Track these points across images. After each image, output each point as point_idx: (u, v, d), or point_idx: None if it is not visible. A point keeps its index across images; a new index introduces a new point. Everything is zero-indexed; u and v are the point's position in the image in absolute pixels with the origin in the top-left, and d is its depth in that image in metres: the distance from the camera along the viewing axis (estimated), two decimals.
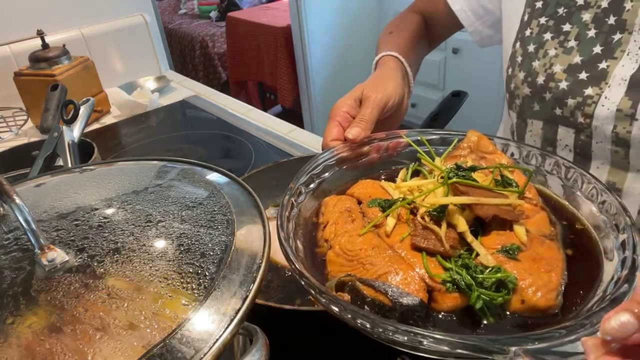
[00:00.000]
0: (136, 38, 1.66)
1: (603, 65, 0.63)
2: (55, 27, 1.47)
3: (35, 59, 1.29)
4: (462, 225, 0.46)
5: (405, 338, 0.35)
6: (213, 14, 4.04)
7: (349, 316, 0.38)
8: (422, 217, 0.48)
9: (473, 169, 0.53)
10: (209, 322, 0.32)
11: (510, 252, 0.44)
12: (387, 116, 0.69)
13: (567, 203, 0.54)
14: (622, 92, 0.61)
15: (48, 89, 1.10)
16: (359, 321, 0.37)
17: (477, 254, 0.44)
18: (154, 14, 1.74)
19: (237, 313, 0.33)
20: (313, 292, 0.40)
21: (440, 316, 0.42)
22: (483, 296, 0.41)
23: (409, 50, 0.81)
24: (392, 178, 0.60)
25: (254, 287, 0.35)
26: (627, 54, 0.61)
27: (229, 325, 0.32)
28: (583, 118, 0.65)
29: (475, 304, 0.40)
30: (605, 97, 0.62)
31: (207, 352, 0.31)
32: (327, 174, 0.60)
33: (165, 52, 1.83)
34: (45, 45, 1.30)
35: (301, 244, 0.51)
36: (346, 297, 0.43)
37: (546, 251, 0.45)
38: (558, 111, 0.68)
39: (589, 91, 0.64)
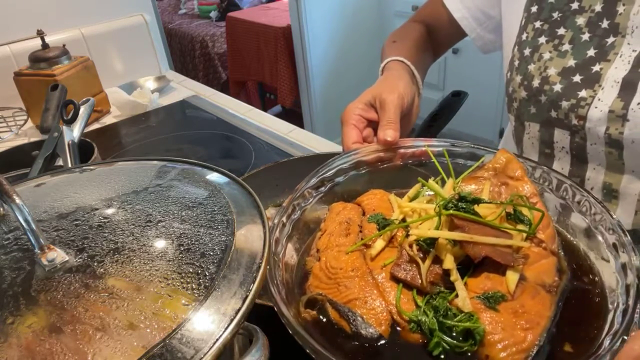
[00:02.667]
0: (136, 38, 1.66)
1: (596, 68, 0.63)
2: (55, 27, 1.47)
3: (35, 59, 1.28)
4: (449, 262, 0.43)
5: None
6: (213, 14, 4.03)
7: (300, 342, 0.38)
8: (410, 246, 0.45)
9: (476, 201, 0.48)
10: (209, 322, 0.32)
11: (492, 300, 0.41)
12: (401, 117, 0.67)
13: (587, 249, 0.49)
14: (615, 93, 0.61)
15: (48, 89, 1.10)
16: (307, 349, 0.38)
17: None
18: (154, 14, 1.74)
19: (237, 313, 0.33)
20: (276, 308, 0.41)
21: (405, 346, 0.40)
22: (444, 344, 0.38)
23: (413, 57, 0.80)
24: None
25: (254, 287, 0.35)
26: (620, 56, 0.62)
27: (229, 325, 0.32)
28: (577, 120, 0.65)
29: (433, 350, 0.39)
30: (599, 99, 0.62)
31: (207, 352, 0.31)
32: (340, 178, 0.58)
33: (165, 52, 1.83)
34: (45, 45, 1.30)
35: (294, 249, 0.51)
36: (312, 313, 0.43)
37: (534, 305, 0.41)
38: (553, 114, 0.68)
39: (582, 93, 0.64)
